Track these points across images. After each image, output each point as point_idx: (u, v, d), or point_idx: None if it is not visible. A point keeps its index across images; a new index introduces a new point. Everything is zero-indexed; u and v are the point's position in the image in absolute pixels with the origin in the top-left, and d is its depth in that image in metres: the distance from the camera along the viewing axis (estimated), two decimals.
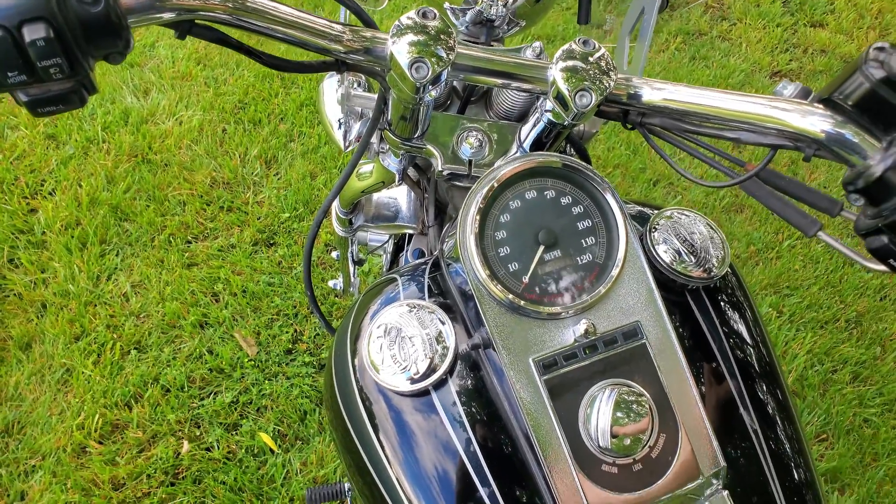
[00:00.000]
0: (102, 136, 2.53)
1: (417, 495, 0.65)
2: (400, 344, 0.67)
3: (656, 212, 0.77)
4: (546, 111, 0.68)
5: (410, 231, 1.12)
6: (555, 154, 0.67)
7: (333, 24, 0.62)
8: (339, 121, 0.93)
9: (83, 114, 2.58)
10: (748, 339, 0.77)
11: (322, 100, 0.95)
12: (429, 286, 0.74)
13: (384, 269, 1.55)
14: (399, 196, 1.14)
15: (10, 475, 1.72)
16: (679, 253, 0.73)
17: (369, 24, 0.68)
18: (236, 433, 1.82)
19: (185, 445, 1.78)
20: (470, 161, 0.79)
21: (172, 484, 1.73)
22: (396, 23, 0.62)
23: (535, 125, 0.73)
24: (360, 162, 0.92)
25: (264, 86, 2.82)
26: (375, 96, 0.87)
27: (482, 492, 0.63)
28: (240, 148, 2.56)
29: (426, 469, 0.66)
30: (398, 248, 1.40)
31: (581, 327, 0.62)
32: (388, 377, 0.66)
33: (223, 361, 1.94)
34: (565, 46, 0.65)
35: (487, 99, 0.90)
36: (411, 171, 0.98)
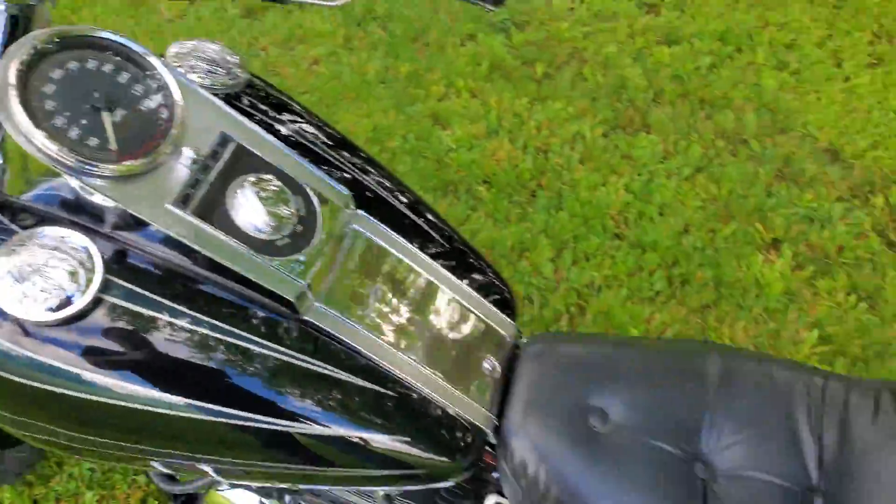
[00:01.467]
0: None
1: (164, 386, 0.67)
2: (42, 279, 0.61)
3: (162, 54, 0.79)
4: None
5: None
6: (60, 27, 0.65)
7: None
8: None
9: None
10: (298, 109, 0.91)
11: None
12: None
13: None
14: None
15: None
16: (210, 72, 0.78)
17: None
18: None
19: None
20: None
21: None
22: None
23: None
24: None
25: None
26: None
27: (207, 337, 0.67)
28: None
29: (156, 365, 0.66)
30: None
31: (187, 157, 0.67)
32: (47, 315, 0.61)
33: None
34: None
35: None
36: None
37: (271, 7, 2.98)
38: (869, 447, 0.74)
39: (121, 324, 0.65)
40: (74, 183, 0.64)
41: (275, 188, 0.68)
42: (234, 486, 0.95)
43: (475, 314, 0.83)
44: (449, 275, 0.81)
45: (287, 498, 0.93)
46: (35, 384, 0.65)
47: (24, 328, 0.63)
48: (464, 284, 0.83)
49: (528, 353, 0.85)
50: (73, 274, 0.62)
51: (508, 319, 0.87)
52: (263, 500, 0.95)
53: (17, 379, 0.65)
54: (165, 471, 0.91)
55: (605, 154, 2.44)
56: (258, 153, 0.71)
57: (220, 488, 0.97)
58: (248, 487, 0.94)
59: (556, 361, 0.84)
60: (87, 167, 0.60)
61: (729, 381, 0.81)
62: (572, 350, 0.87)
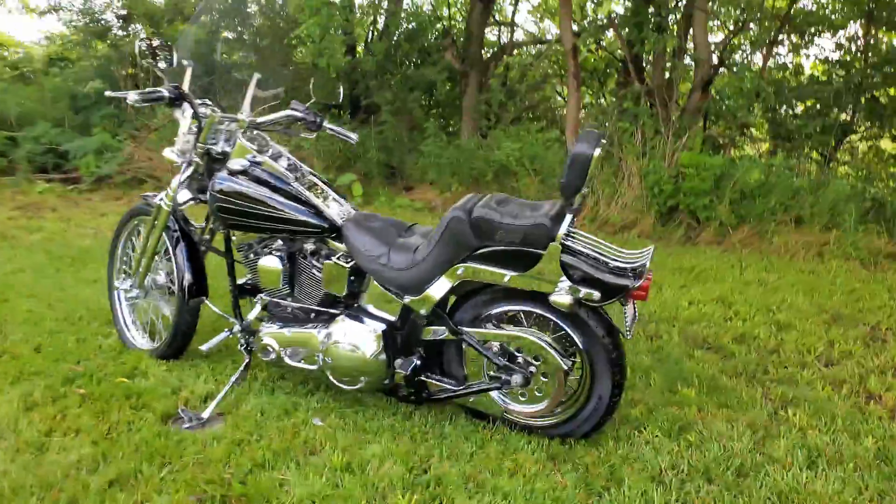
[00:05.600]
0: None
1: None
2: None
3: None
4: None
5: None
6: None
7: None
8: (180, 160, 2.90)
9: None
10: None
11: (170, 159, 2.92)
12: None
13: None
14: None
15: None
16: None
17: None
18: None
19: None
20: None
21: None
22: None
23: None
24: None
25: None
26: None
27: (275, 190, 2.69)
28: None
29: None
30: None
31: (273, 153, 2.82)
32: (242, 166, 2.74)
33: None
34: None
35: None
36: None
37: None
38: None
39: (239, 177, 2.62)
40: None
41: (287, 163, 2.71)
42: (266, 252, 2.73)
43: (336, 197, 2.74)
44: (325, 186, 2.76)
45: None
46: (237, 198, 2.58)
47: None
48: (329, 188, 2.76)
49: (357, 212, 2.72)
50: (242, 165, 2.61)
51: (351, 205, 2.73)
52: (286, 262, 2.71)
53: (235, 197, 2.59)
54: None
55: None
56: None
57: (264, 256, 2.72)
58: (272, 253, 2.72)
59: (362, 216, 2.65)
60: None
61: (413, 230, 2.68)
62: (366, 215, 2.68)
